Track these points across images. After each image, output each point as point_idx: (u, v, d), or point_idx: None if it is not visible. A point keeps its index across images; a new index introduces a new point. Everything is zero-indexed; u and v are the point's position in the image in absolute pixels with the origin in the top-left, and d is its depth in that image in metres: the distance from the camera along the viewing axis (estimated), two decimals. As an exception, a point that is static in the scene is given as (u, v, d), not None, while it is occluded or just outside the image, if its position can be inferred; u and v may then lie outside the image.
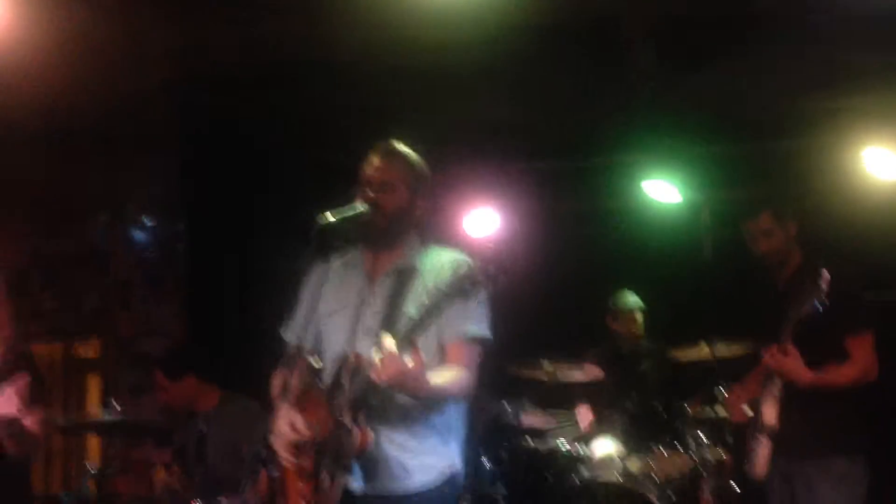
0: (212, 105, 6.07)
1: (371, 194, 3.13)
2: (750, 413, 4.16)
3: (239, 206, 6.32)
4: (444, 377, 2.99)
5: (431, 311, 2.83)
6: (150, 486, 6.12)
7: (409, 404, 3.02)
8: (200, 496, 4.40)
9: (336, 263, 3.23)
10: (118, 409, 4.47)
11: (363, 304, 3.15)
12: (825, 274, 3.71)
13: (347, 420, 2.92)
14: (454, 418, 3.15)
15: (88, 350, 6.95)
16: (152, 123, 6.40)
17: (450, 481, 3.09)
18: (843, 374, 3.93)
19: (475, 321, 3.07)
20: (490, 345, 3.11)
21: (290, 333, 3.30)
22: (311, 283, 3.23)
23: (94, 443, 6.72)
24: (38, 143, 6.47)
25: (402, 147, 3.24)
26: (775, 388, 3.97)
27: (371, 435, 2.93)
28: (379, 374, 2.81)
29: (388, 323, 3.04)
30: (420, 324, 2.86)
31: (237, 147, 6.29)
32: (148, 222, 6.56)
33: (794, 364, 3.85)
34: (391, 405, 3.01)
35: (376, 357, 2.80)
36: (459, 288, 2.82)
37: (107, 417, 4.41)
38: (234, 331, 5.71)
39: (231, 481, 4.31)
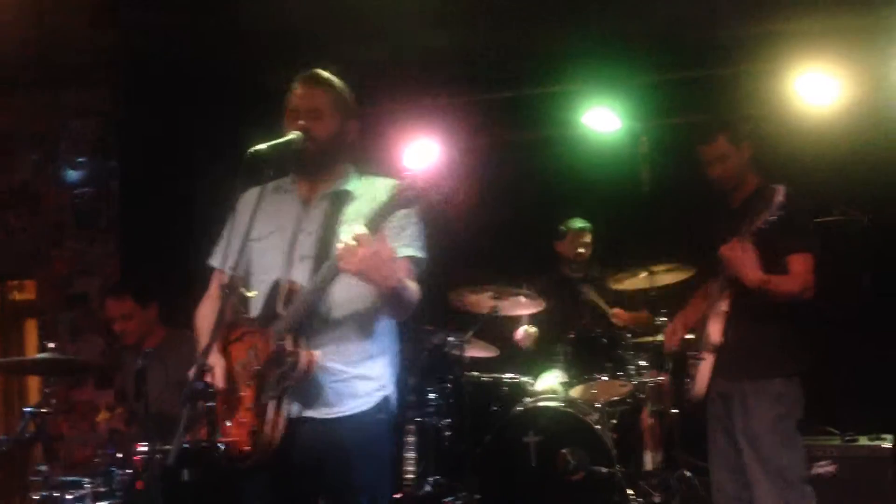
0: (147, 38, 5.91)
1: (301, 122, 3.10)
2: (676, 347, 4.30)
3: (172, 142, 6.19)
4: (408, 283, 2.98)
5: (370, 229, 2.81)
6: (93, 428, 6.09)
7: (342, 329, 3.03)
8: (143, 437, 4.37)
9: (267, 189, 3.17)
10: (55, 349, 4.38)
11: (298, 230, 3.14)
12: (781, 189, 3.76)
13: (289, 345, 2.92)
14: (387, 343, 3.16)
15: (24, 292, 6.85)
16: (83, 58, 6.24)
17: (382, 405, 3.11)
18: (785, 284, 3.96)
19: (410, 241, 3.08)
20: (425, 266, 3.12)
21: (218, 260, 3.27)
22: (240, 208, 3.17)
23: (33, 385, 6.65)
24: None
25: (325, 74, 3.21)
26: (722, 306, 4.05)
27: (317, 355, 2.93)
28: (349, 261, 2.79)
29: (324, 246, 3.04)
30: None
31: (170, 82, 6.14)
32: (80, 160, 6.42)
33: (749, 260, 3.88)
34: (325, 330, 3.01)
35: (344, 243, 2.78)
36: (394, 208, 2.83)
37: (44, 356, 4.33)
38: (168, 268, 5.62)
39: (173, 419, 4.30)
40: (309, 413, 3.00)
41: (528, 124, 7.07)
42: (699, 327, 4.22)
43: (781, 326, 4.04)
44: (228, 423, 3.05)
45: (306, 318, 2.95)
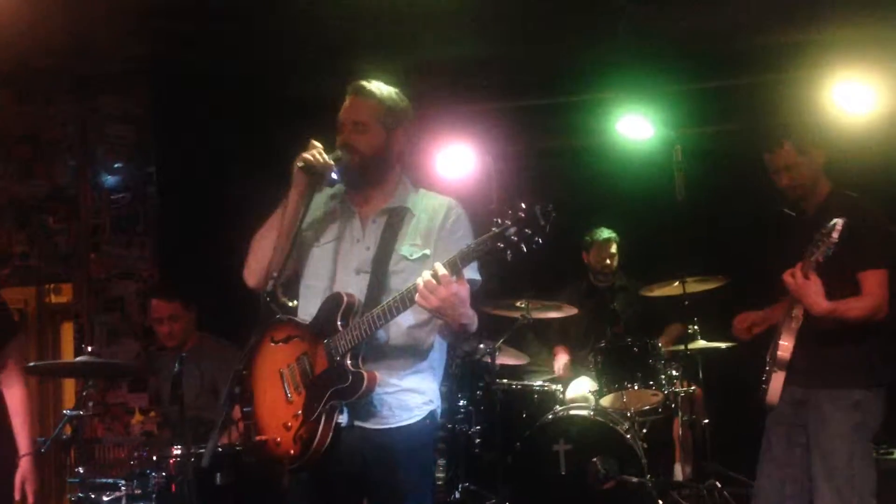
0: (182, 46, 5.98)
1: (344, 136, 3.12)
2: (747, 336, 4.17)
3: (209, 148, 6.26)
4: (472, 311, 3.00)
5: (452, 269, 2.82)
6: (127, 430, 6.16)
7: (396, 345, 3.07)
8: (178, 440, 4.42)
9: (326, 194, 3.22)
10: (92, 352, 4.44)
11: (353, 241, 3.17)
12: (839, 225, 3.63)
13: (349, 363, 2.97)
14: (436, 357, 3.19)
15: (61, 295, 6.93)
16: (122, 65, 6.32)
17: (429, 417, 3.15)
18: (854, 306, 3.82)
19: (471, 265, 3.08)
20: (478, 287, 3.13)
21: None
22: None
23: (69, 388, 6.73)
24: (7, 84, 6.38)
25: (372, 84, 3.19)
26: (794, 322, 3.92)
27: (378, 377, 2.98)
28: (428, 299, 2.80)
29: (380, 262, 3.08)
30: (417, 262, 2.93)
31: (208, 88, 6.20)
32: (117, 165, 6.50)
33: (812, 289, 3.75)
34: (380, 346, 3.05)
35: (424, 280, 2.80)
36: (481, 254, 2.80)
37: (81, 360, 4.38)
38: (205, 273, 5.68)
39: (208, 423, 4.34)
40: (359, 423, 3.04)
41: (562, 131, 7.06)
42: (771, 338, 4.09)
43: (861, 336, 3.89)
44: (272, 424, 3.09)
45: (368, 335, 2.97)
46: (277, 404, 3.10)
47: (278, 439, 3.05)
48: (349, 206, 3.22)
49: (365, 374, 2.95)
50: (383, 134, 3.16)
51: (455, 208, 3.16)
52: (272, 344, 3.17)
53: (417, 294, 2.82)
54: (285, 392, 3.09)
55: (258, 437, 3.10)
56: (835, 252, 3.67)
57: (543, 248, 2.69)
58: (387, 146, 3.17)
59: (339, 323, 3.00)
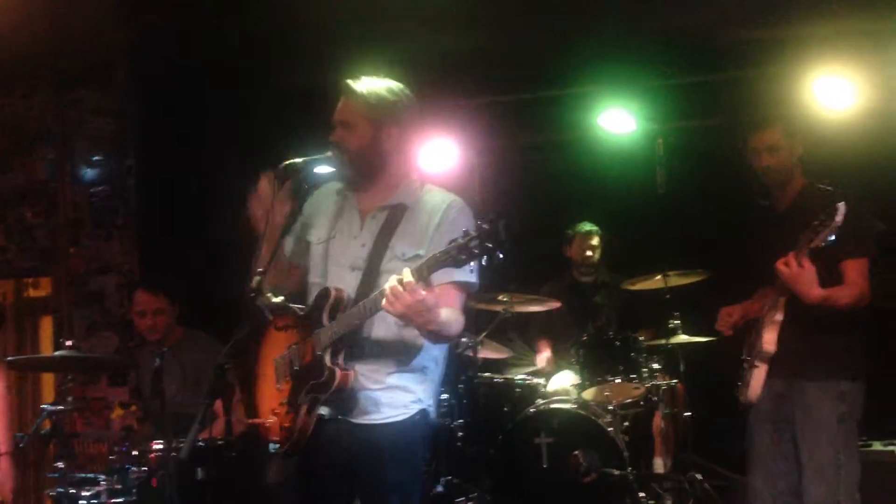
0: (159, 37, 5.94)
1: (334, 135, 3.16)
2: (730, 332, 4.17)
3: (187, 141, 6.22)
4: (447, 314, 3.01)
5: (419, 277, 2.84)
6: (107, 425, 6.12)
7: (384, 343, 3.09)
8: (159, 435, 4.39)
9: (331, 189, 3.29)
10: (71, 346, 4.40)
11: (350, 237, 3.20)
12: (842, 208, 3.63)
13: (327, 359, 2.99)
14: (431, 358, 3.19)
15: (40, 289, 6.88)
16: (99, 58, 6.27)
17: (419, 415, 3.14)
18: (843, 296, 3.86)
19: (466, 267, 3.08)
20: (475, 289, 3.16)
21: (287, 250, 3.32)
22: (307, 209, 3.26)
23: (48, 382, 6.69)
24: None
25: (360, 82, 3.19)
26: (776, 315, 3.95)
27: (351, 375, 3.01)
28: (393, 305, 2.82)
29: (373, 260, 3.10)
30: (411, 262, 2.93)
31: (186, 80, 6.17)
32: (96, 158, 6.46)
33: (807, 277, 3.76)
34: (365, 343, 3.08)
35: (390, 286, 2.82)
36: (449, 261, 2.79)
37: (61, 354, 4.35)
38: (184, 267, 5.66)
39: (189, 418, 4.32)
40: (343, 417, 3.07)
41: (544, 126, 7.06)
42: (751, 333, 4.11)
43: (843, 327, 3.93)
44: (263, 408, 3.17)
45: (347, 336, 3.01)
46: (269, 391, 3.17)
47: (267, 424, 3.12)
48: (353, 202, 3.25)
49: (338, 372, 2.98)
50: (370, 130, 3.15)
51: (453, 208, 3.15)
52: (275, 331, 3.23)
53: (384, 299, 2.84)
54: (279, 378, 3.15)
55: (250, 420, 3.19)
56: (832, 243, 3.66)
57: (503, 260, 2.72)
58: (374, 142, 3.16)
59: (325, 317, 3.03)
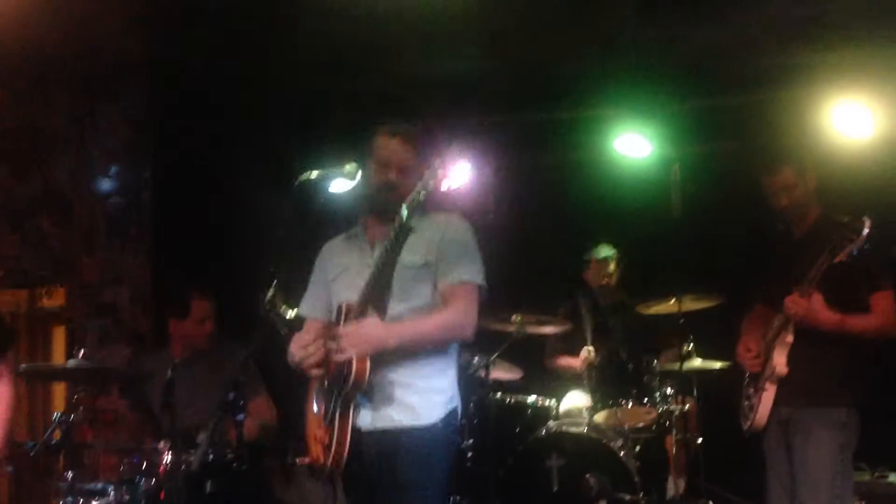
0: (176, 48, 5.96)
1: (391, 176, 3.28)
2: (759, 369, 4.15)
3: (203, 153, 6.23)
4: (420, 325, 3.18)
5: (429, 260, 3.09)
6: (118, 436, 6.11)
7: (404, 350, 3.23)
8: (169, 447, 4.38)
9: (339, 239, 3.50)
10: (83, 356, 4.40)
11: (363, 265, 3.34)
12: (867, 221, 3.70)
13: (342, 358, 3.13)
14: (453, 357, 3.35)
15: (53, 299, 6.89)
16: (116, 67, 6.30)
17: (451, 415, 3.30)
18: (864, 322, 3.91)
19: (467, 267, 3.26)
20: (484, 290, 3.30)
21: (305, 308, 3.55)
22: (319, 261, 3.51)
23: (59, 392, 6.68)
24: (2, 85, 6.35)
25: (413, 130, 3.37)
26: (787, 336, 3.99)
27: (366, 363, 3.10)
28: (343, 352, 3.07)
29: (379, 274, 3.22)
30: (420, 270, 3.18)
31: (202, 92, 6.19)
32: (112, 169, 6.47)
33: (817, 307, 3.84)
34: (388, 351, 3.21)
35: (336, 342, 3.07)
36: (454, 239, 3.08)
37: (72, 364, 4.34)
38: (199, 279, 5.65)
39: (198, 430, 4.30)
40: (380, 424, 3.19)
41: (560, 148, 7.06)
42: (765, 354, 4.13)
43: (848, 356, 3.98)
44: (312, 435, 3.32)
45: None
46: (313, 419, 3.34)
47: (314, 454, 3.29)
48: (363, 240, 3.43)
49: (354, 361, 3.08)
50: (418, 175, 3.28)
51: (458, 222, 3.37)
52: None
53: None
54: (316, 408, 3.31)
55: (300, 460, 3.58)
56: (859, 256, 3.68)
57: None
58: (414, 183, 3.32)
59: (340, 328, 3.22)
